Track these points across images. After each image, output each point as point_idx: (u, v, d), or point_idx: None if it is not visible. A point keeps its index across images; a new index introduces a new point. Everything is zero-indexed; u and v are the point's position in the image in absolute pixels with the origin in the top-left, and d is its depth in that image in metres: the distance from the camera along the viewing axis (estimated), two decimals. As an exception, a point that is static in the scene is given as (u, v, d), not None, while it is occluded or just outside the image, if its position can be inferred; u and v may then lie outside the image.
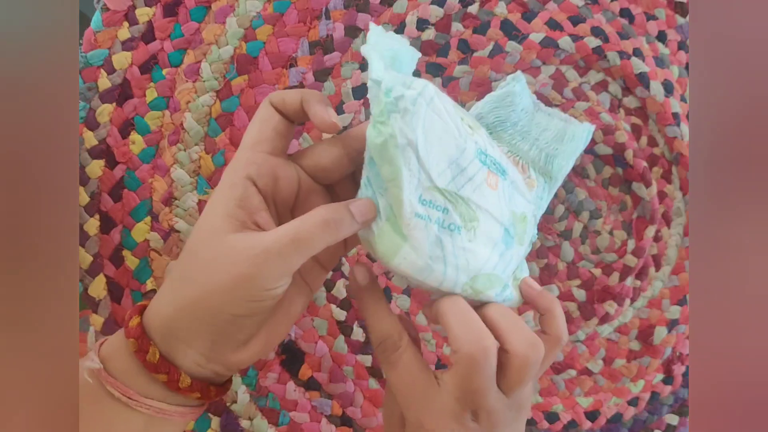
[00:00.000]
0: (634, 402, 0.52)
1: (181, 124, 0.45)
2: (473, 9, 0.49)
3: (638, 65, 0.50)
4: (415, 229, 0.26)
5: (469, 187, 0.27)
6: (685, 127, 0.51)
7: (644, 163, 0.50)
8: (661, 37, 0.52)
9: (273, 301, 0.26)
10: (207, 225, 0.26)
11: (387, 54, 0.27)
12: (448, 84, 0.48)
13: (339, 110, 0.47)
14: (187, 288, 0.26)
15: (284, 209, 0.29)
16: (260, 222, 0.26)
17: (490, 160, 0.28)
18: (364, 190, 0.27)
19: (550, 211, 0.50)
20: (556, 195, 0.49)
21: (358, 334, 0.47)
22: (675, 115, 0.51)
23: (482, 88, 0.48)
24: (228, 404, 0.45)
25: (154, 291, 0.44)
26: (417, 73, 0.48)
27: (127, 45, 0.44)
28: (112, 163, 0.44)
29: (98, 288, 0.44)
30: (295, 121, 0.29)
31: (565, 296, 0.50)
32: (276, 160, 0.28)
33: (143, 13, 0.44)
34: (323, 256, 0.30)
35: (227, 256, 0.25)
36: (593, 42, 0.49)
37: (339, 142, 0.28)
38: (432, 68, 0.48)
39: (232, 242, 0.25)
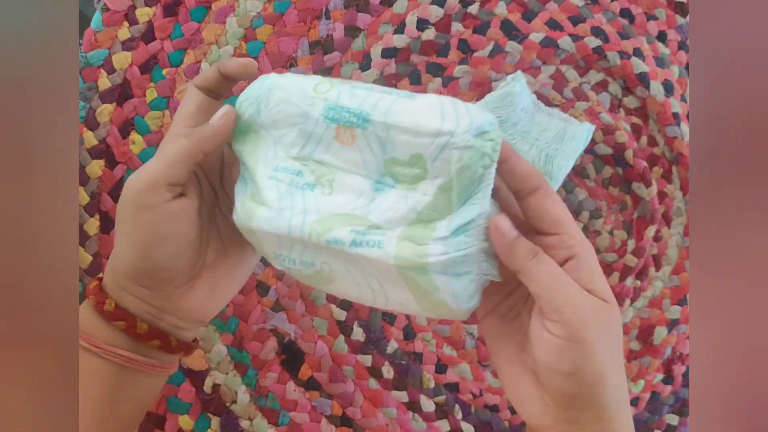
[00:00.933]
0: (634, 402, 0.52)
1: (181, 124, 0.45)
2: (473, 9, 0.49)
3: (638, 65, 0.50)
4: (267, 189, 0.28)
5: (319, 149, 0.28)
6: (685, 127, 0.51)
7: (644, 163, 0.50)
8: (661, 37, 0.52)
9: (167, 225, 0.29)
10: (132, 193, 0.30)
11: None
12: (448, 84, 0.48)
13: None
14: (119, 241, 0.30)
15: (213, 177, 0.33)
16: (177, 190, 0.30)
17: (342, 112, 0.26)
18: (241, 177, 0.30)
19: (550, 211, 0.50)
20: (556, 195, 0.49)
21: (358, 334, 0.47)
22: (675, 115, 0.51)
23: (482, 88, 0.48)
24: (228, 404, 0.45)
25: None
26: (417, 74, 0.48)
27: (127, 45, 0.44)
28: (112, 163, 0.44)
29: (98, 288, 0.44)
30: (219, 92, 0.32)
31: (565, 296, 0.50)
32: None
33: (143, 13, 0.44)
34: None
35: (140, 200, 0.28)
36: (593, 42, 0.49)
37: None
38: (432, 68, 0.48)
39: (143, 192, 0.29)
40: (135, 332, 0.30)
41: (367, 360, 0.47)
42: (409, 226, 0.26)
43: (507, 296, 0.30)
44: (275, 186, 0.28)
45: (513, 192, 0.28)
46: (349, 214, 0.27)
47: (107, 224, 0.44)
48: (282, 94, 0.28)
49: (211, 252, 0.33)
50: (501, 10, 0.49)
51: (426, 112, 0.25)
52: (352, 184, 0.27)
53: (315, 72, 0.46)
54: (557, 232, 0.27)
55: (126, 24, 0.44)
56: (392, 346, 0.47)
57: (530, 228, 0.28)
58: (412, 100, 0.26)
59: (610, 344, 0.26)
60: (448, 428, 0.48)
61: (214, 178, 0.33)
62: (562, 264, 0.27)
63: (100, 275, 0.32)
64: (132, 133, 0.44)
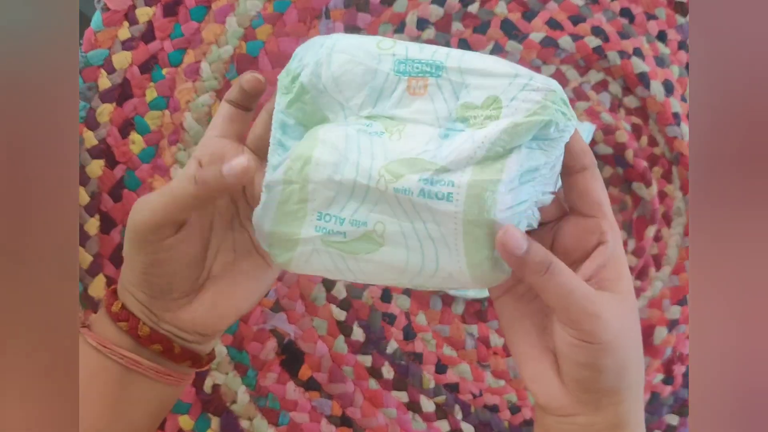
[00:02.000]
0: (634, 402, 0.52)
1: (181, 124, 0.45)
2: (473, 8, 0.49)
3: (638, 65, 0.50)
4: (330, 131, 0.27)
5: (390, 104, 0.27)
6: (685, 127, 0.51)
7: (644, 163, 0.50)
8: (662, 36, 0.52)
9: (165, 253, 0.29)
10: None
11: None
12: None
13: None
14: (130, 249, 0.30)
15: (235, 189, 0.32)
16: None
17: (414, 65, 0.26)
18: (273, 151, 0.29)
19: (550, 211, 0.50)
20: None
21: (358, 334, 0.47)
22: (675, 115, 0.51)
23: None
24: (228, 404, 0.45)
25: None
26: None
27: (127, 45, 0.44)
28: (112, 163, 0.44)
29: (98, 288, 0.44)
30: (245, 105, 0.32)
31: (565, 296, 0.50)
32: (224, 141, 0.31)
33: (143, 13, 0.44)
34: None
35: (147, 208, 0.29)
36: (593, 41, 0.49)
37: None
38: (432, 68, 0.48)
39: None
40: (137, 334, 0.30)
41: (367, 360, 0.47)
42: (477, 166, 0.26)
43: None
44: (343, 132, 0.27)
45: (564, 166, 0.28)
46: (417, 158, 0.26)
47: (107, 224, 0.44)
48: (344, 56, 0.27)
49: (218, 264, 0.32)
50: (501, 9, 0.49)
51: (499, 61, 0.26)
52: (422, 134, 0.27)
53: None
54: (595, 215, 0.27)
55: (126, 24, 0.44)
56: (392, 346, 0.47)
57: (568, 207, 0.29)
58: (482, 54, 0.26)
59: (629, 338, 0.27)
60: (448, 428, 0.48)
61: (236, 190, 0.32)
62: (593, 248, 0.27)
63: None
64: (132, 133, 0.44)
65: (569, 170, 0.28)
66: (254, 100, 0.32)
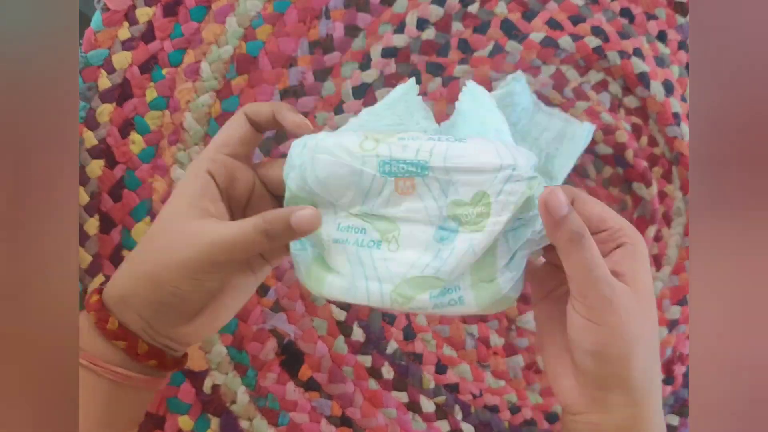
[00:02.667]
0: (634, 402, 0.52)
1: (181, 124, 0.45)
2: (473, 8, 0.49)
3: (638, 65, 0.50)
4: (335, 254, 0.28)
5: (379, 203, 0.27)
6: (685, 127, 0.51)
7: (644, 163, 0.50)
8: (662, 36, 0.52)
9: (214, 283, 0.30)
10: (170, 210, 0.30)
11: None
12: (448, 84, 0.48)
13: (339, 110, 0.47)
14: (145, 263, 0.30)
15: (237, 207, 0.32)
16: (214, 212, 0.30)
17: (398, 165, 0.27)
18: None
19: (550, 211, 0.50)
20: (556, 195, 0.49)
21: (357, 334, 0.47)
22: (675, 115, 0.51)
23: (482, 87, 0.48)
24: (228, 404, 0.45)
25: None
26: (417, 73, 0.48)
27: (127, 45, 0.44)
28: (112, 163, 0.44)
29: (98, 288, 0.44)
30: (265, 129, 0.32)
31: (565, 296, 0.50)
32: (236, 163, 0.32)
33: (143, 13, 0.44)
34: (269, 253, 0.33)
35: (185, 238, 0.29)
36: (593, 42, 0.49)
37: (242, 115, 0.32)
38: (432, 68, 0.48)
39: (191, 227, 0.29)
40: (135, 352, 0.30)
41: (366, 360, 0.47)
42: (476, 264, 0.27)
43: (563, 282, 0.30)
44: (342, 250, 0.28)
45: None
46: (421, 276, 0.27)
47: (107, 224, 0.44)
48: (328, 158, 0.28)
49: (216, 281, 0.32)
50: (501, 9, 0.49)
51: (482, 151, 0.26)
52: (417, 235, 0.27)
53: (315, 71, 0.46)
54: (604, 229, 0.29)
55: (126, 24, 0.44)
56: (392, 346, 0.47)
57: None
58: (464, 143, 0.27)
59: (637, 329, 0.27)
60: (448, 428, 0.48)
61: (238, 208, 0.33)
62: (610, 252, 0.28)
63: (99, 287, 0.32)
64: (132, 133, 0.44)
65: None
66: (276, 127, 0.32)
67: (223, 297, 0.32)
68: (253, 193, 0.33)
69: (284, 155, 0.31)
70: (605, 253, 0.28)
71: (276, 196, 0.33)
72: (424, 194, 0.27)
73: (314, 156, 0.28)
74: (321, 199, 0.29)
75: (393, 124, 0.30)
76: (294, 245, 0.30)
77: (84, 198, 0.43)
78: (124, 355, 0.30)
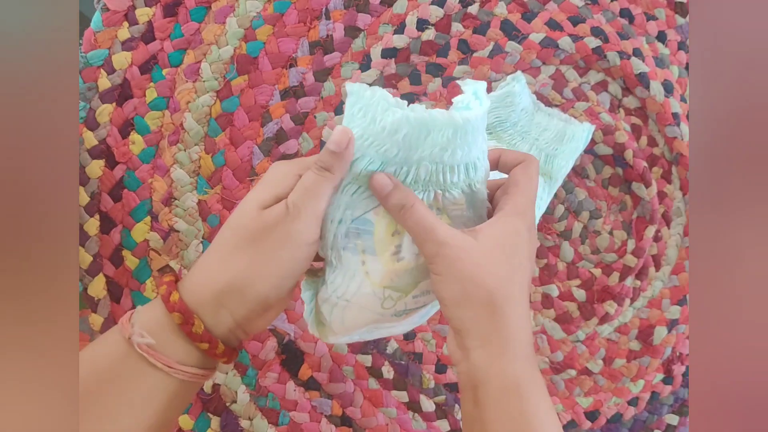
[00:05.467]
0: (634, 402, 0.52)
1: (181, 124, 0.45)
2: (473, 9, 0.49)
3: (638, 65, 0.50)
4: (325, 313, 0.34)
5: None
6: (685, 127, 0.51)
7: (644, 163, 0.50)
8: (661, 37, 0.52)
9: (308, 262, 0.31)
10: (259, 200, 0.31)
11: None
12: (448, 84, 0.48)
13: (339, 110, 0.47)
14: (241, 258, 0.30)
15: None
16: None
17: (408, 311, 0.33)
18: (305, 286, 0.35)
19: (549, 211, 0.50)
20: (555, 195, 0.49)
21: (358, 334, 0.47)
22: (675, 115, 0.51)
23: (482, 88, 0.48)
24: (228, 404, 0.45)
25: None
26: (417, 74, 0.48)
27: (127, 45, 0.44)
28: (112, 163, 0.44)
29: (98, 288, 0.44)
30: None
31: (565, 296, 0.50)
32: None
33: (143, 13, 0.44)
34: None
35: (268, 224, 0.30)
36: (593, 42, 0.49)
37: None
38: (432, 68, 0.48)
39: (268, 214, 0.30)
40: (215, 353, 0.31)
41: (367, 360, 0.47)
42: None
43: None
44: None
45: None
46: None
47: (107, 224, 0.44)
48: (355, 311, 0.32)
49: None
50: (501, 10, 0.49)
51: None
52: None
53: (315, 72, 0.46)
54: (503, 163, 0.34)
55: (126, 24, 0.44)
56: (392, 346, 0.47)
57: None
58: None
59: (473, 279, 0.29)
60: (448, 428, 0.48)
61: None
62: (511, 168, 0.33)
63: (170, 281, 0.31)
64: (132, 133, 0.44)
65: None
66: None
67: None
68: None
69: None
70: (497, 201, 0.32)
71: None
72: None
73: (344, 308, 0.33)
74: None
75: (365, 157, 0.30)
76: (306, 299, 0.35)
77: (84, 198, 0.43)
78: (198, 356, 0.30)
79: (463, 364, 0.30)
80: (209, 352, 0.30)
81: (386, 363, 0.47)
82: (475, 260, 0.29)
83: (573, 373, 0.51)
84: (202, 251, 0.45)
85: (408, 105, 0.30)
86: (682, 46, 0.52)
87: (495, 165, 0.34)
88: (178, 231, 0.45)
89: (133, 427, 0.29)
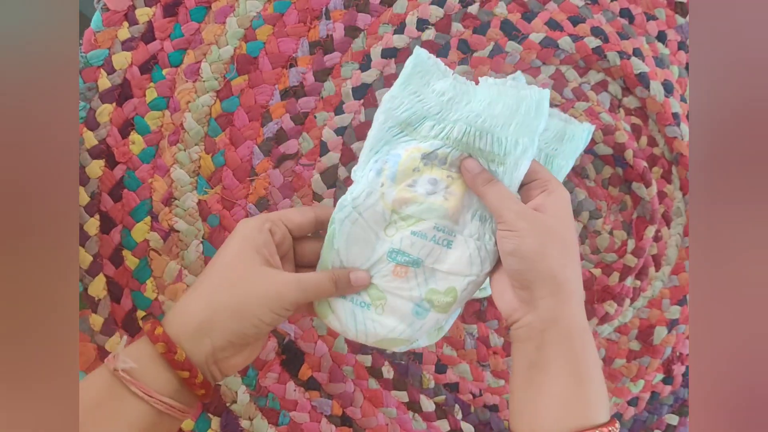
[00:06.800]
0: (634, 402, 0.52)
1: (181, 124, 0.45)
2: (473, 9, 0.49)
3: (638, 65, 0.50)
4: (336, 303, 0.37)
5: (377, 276, 0.36)
6: (685, 127, 0.51)
7: (644, 163, 0.50)
8: (661, 37, 0.52)
9: (282, 319, 0.34)
10: (237, 252, 0.34)
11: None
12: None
13: (339, 110, 0.47)
14: (224, 295, 0.33)
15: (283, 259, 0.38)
16: (273, 263, 0.35)
17: (403, 256, 0.36)
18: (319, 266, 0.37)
19: (550, 211, 0.50)
20: (556, 195, 0.49)
21: (358, 334, 0.47)
22: (675, 115, 0.51)
23: (482, 88, 0.48)
24: (228, 404, 0.45)
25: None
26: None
27: (127, 45, 0.44)
28: (112, 163, 0.44)
29: (98, 288, 0.44)
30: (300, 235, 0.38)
31: (565, 296, 0.50)
32: (287, 234, 0.37)
33: (143, 13, 0.44)
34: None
35: (265, 278, 0.34)
36: (593, 42, 0.49)
37: (311, 210, 0.38)
38: (432, 68, 0.48)
39: (268, 272, 0.34)
40: (193, 382, 0.33)
41: (367, 360, 0.47)
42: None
43: None
44: (342, 304, 0.37)
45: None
46: (395, 338, 0.37)
47: (107, 224, 0.44)
48: (361, 232, 0.36)
49: (285, 318, 0.35)
50: (501, 10, 0.49)
51: (460, 260, 0.36)
52: (399, 307, 0.36)
53: (315, 72, 0.46)
54: (535, 179, 0.36)
55: (126, 24, 0.44)
56: (392, 346, 0.47)
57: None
58: (450, 249, 0.36)
59: (546, 233, 0.34)
60: (448, 428, 0.48)
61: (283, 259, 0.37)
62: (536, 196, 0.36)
63: (153, 318, 0.35)
64: (132, 133, 0.44)
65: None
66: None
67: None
68: (286, 256, 0.38)
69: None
70: (532, 197, 0.35)
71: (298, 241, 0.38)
72: (411, 279, 0.36)
73: (352, 228, 0.36)
74: (335, 258, 0.36)
75: (412, 108, 0.36)
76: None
77: (84, 198, 0.43)
78: (176, 387, 0.33)
79: (528, 315, 0.34)
80: (188, 381, 0.32)
81: (386, 363, 0.47)
82: (551, 220, 0.34)
83: (573, 373, 0.51)
84: (203, 251, 0.45)
85: (453, 74, 0.36)
86: (682, 46, 0.52)
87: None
88: (178, 231, 0.45)
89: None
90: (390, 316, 0.36)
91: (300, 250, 0.38)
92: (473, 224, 0.37)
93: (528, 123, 0.35)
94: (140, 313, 0.44)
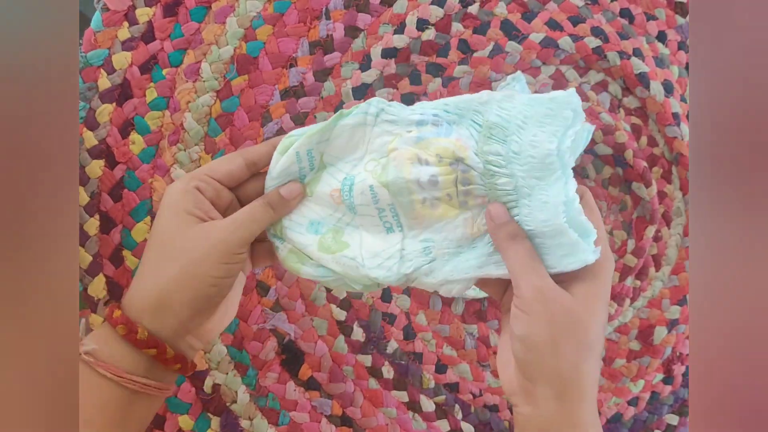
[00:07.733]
0: (634, 402, 0.52)
1: (181, 124, 0.45)
2: (473, 9, 0.49)
3: (638, 65, 0.50)
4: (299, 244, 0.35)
5: (322, 184, 0.36)
6: (685, 127, 0.51)
7: (644, 163, 0.50)
8: (661, 37, 0.52)
9: (240, 264, 0.33)
10: (168, 219, 0.33)
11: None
12: (448, 84, 0.48)
13: (339, 110, 0.47)
14: (169, 266, 0.32)
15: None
16: (213, 218, 0.33)
17: (349, 196, 0.34)
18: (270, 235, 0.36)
19: (550, 211, 0.50)
20: (556, 195, 0.49)
21: (358, 334, 0.47)
22: (675, 115, 0.51)
23: (482, 88, 0.48)
24: (228, 404, 0.45)
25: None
26: (417, 74, 0.48)
27: (127, 45, 0.44)
28: (112, 163, 0.44)
29: (98, 288, 0.44)
30: (261, 167, 0.35)
31: (565, 296, 0.50)
32: (220, 186, 0.34)
33: (143, 13, 0.44)
34: (257, 252, 0.37)
35: (201, 234, 0.32)
36: (593, 42, 0.49)
37: (237, 155, 0.35)
38: (432, 68, 0.48)
39: (202, 227, 0.32)
40: (164, 358, 0.32)
41: (367, 360, 0.47)
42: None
43: None
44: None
45: None
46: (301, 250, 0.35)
47: (107, 224, 0.44)
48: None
49: (240, 264, 0.34)
50: (501, 10, 0.49)
51: (383, 248, 0.35)
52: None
53: (315, 72, 0.46)
54: None
55: (126, 24, 0.44)
56: (392, 346, 0.47)
57: None
58: (385, 235, 0.35)
59: (565, 323, 0.29)
60: (448, 428, 0.48)
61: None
62: None
63: (114, 303, 0.34)
64: (132, 133, 0.44)
65: None
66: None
67: (230, 293, 0.34)
68: (230, 210, 0.36)
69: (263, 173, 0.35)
70: None
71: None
72: (341, 209, 0.36)
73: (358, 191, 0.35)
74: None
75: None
76: (274, 239, 0.36)
77: (84, 198, 0.43)
78: (147, 365, 0.32)
79: (528, 407, 0.30)
80: (159, 357, 0.32)
81: (386, 363, 0.47)
82: (577, 304, 0.29)
83: (573, 373, 0.51)
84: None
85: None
86: (682, 46, 0.52)
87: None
88: (178, 231, 0.45)
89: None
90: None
91: (244, 196, 0.35)
92: (415, 244, 0.34)
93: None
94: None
